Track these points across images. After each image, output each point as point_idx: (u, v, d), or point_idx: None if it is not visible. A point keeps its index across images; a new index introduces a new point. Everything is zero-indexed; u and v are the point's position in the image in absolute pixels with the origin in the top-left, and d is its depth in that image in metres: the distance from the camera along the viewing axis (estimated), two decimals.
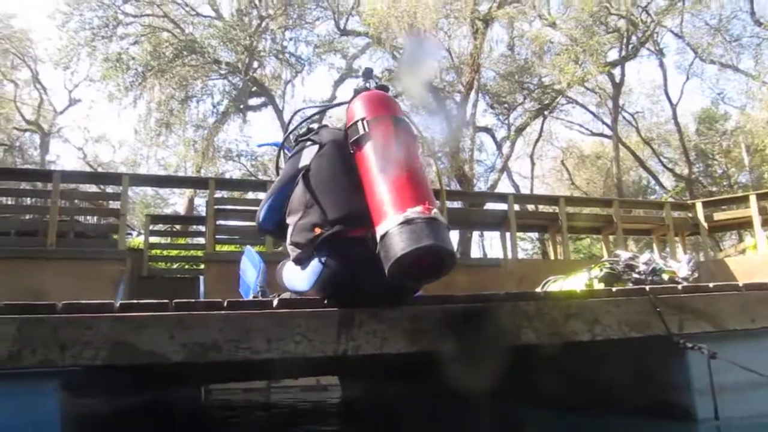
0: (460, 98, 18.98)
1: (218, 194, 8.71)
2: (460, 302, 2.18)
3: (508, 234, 9.61)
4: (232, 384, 5.90)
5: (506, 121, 22.42)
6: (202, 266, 8.59)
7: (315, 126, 2.48)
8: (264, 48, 19.88)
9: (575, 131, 25.62)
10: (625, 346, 2.35)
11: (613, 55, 20.41)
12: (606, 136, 24.25)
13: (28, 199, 11.08)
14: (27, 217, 9.59)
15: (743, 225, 11.50)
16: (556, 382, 2.82)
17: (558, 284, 3.96)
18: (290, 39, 20.85)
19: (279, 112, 20.21)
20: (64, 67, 19.27)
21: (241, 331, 1.89)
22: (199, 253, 9.91)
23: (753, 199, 9.88)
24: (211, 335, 1.86)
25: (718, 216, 11.01)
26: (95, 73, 19.51)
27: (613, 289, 2.50)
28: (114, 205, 9.67)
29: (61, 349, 1.76)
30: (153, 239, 11.26)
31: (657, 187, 26.52)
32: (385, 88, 2.37)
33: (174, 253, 11.08)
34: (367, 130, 2.11)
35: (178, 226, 14.04)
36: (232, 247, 10.50)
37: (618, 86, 21.31)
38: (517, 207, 10.23)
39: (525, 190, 24.64)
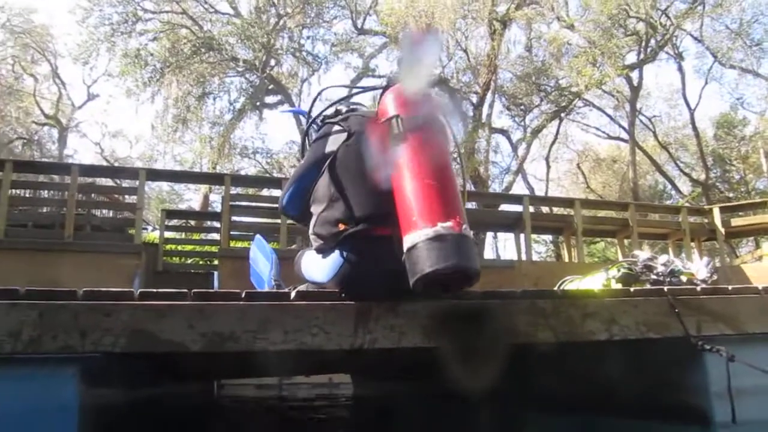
0: (477, 99, 18.93)
1: (233, 191, 8.73)
2: (477, 299, 2.17)
3: (522, 236, 9.57)
4: (244, 380, 5.92)
5: (522, 123, 22.36)
6: (216, 262, 8.64)
7: (343, 108, 2.42)
8: (281, 46, 19.97)
9: (591, 134, 25.50)
10: (642, 348, 2.33)
11: (631, 58, 20.28)
12: (623, 139, 24.09)
13: (46, 192, 11.18)
14: (44, 209, 9.69)
15: (760, 231, 11.38)
16: (570, 384, 2.80)
17: (575, 284, 3.94)
18: (307, 37, 20.95)
19: None
20: (83, 62, 19.49)
21: (259, 321, 1.90)
22: (214, 249, 9.96)
23: None
24: (229, 325, 1.88)
25: (736, 222, 10.88)
26: (114, 69, 19.76)
27: (631, 289, 2.49)
28: (130, 199, 9.75)
29: (81, 335, 1.78)
30: (168, 234, 11.32)
31: (673, 192, 26.29)
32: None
33: (189, 248, 11.14)
34: (401, 129, 2.01)
35: (192, 222, 14.13)
36: (246, 243, 10.53)
37: (636, 90, 21.15)
38: (531, 209, 10.20)
39: (540, 193, 24.52)
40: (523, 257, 9.46)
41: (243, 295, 1.95)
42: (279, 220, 8.37)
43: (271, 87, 20.36)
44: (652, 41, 19.76)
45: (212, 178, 13.63)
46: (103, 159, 26.27)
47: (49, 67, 24.45)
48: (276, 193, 10.01)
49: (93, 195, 9.90)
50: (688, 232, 10.07)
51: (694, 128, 22.93)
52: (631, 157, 21.59)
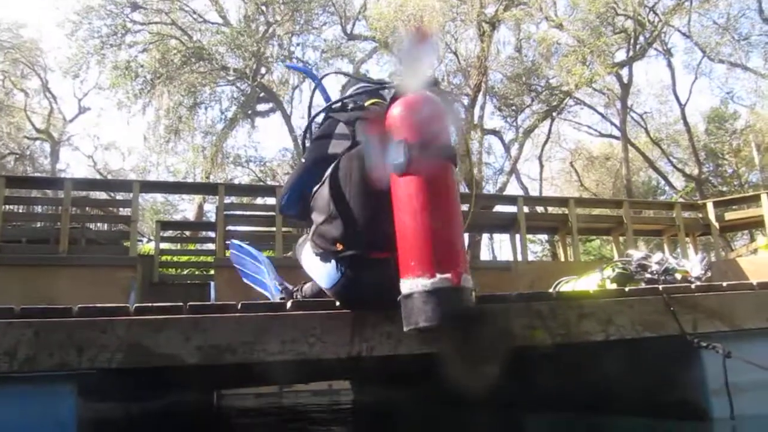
0: (468, 101, 18.98)
1: (227, 200, 8.72)
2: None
3: (518, 236, 9.58)
4: (243, 389, 5.91)
5: (514, 124, 22.43)
6: (213, 272, 8.62)
7: (350, 104, 2.25)
8: (271, 54, 19.98)
9: (584, 132, 25.62)
10: (639, 347, 2.34)
11: (620, 55, 20.38)
12: (615, 137, 24.19)
13: (39, 207, 11.15)
14: (38, 224, 9.66)
15: (755, 224, 11.41)
16: (568, 385, 2.81)
17: (570, 285, 3.95)
18: (297, 44, 20.98)
19: (287, 118, 20.29)
20: (73, 75, 19.48)
21: (255, 333, 1.90)
22: (210, 259, 9.94)
23: (764, 198, 9.81)
24: (225, 337, 1.87)
25: (729, 216, 10.93)
26: (104, 81, 19.73)
27: (626, 288, 2.50)
28: (124, 212, 9.73)
29: (77, 352, 1.77)
30: (163, 245, 11.29)
31: (667, 188, 26.41)
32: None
33: (184, 259, 11.11)
34: (408, 158, 1.80)
35: (188, 232, 14.10)
36: None
37: (626, 87, 21.25)
38: (526, 209, 10.21)
39: (534, 192, 24.59)
40: (519, 258, 9.47)
41: (239, 307, 1.95)
42: (274, 228, 8.35)
43: (262, 95, 20.37)
44: (641, 38, 19.86)
45: (206, 188, 13.61)
46: (96, 172, 26.22)
47: (39, 81, 24.42)
48: (270, 201, 10.00)
49: (87, 208, 9.89)
50: (682, 227, 10.10)
51: (686, 123, 23.05)
52: (624, 154, 21.67)
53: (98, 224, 11.42)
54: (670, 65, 22.24)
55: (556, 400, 2.96)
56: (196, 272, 10.84)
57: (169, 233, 11.92)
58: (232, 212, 8.97)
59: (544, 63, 19.91)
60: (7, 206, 9.37)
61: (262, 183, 21.63)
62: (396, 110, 1.90)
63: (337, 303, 2.07)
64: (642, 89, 25.51)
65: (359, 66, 21.31)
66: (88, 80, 21.53)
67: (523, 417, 3.18)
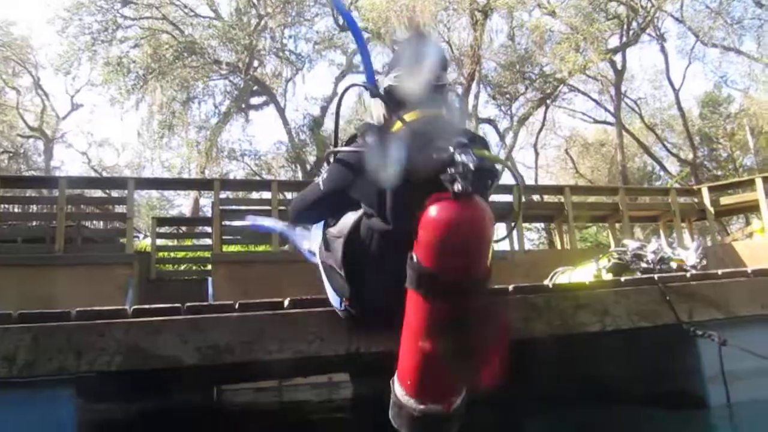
0: (462, 90, 18.93)
1: (223, 195, 8.71)
2: None
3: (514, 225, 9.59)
4: (243, 384, 5.92)
5: (508, 112, 22.39)
6: (210, 267, 8.62)
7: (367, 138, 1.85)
8: (264, 46, 19.88)
9: (578, 119, 25.60)
10: (636, 336, 2.36)
11: (613, 41, 20.33)
12: (609, 123, 24.16)
13: (34, 206, 11.12)
14: (34, 223, 9.64)
15: (750, 209, 11.46)
16: (565, 376, 2.82)
17: (566, 276, 3.96)
18: (289, 36, 20.88)
19: (281, 111, 20.23)
20: (65, 72, 19.36)
21: (254, 332, 1.91)
22: (207, 254, 9.94)
23: (759, 182, 9.84)
24: (224, 338, 1.88)
25: (725, 200, 10.96)
26: (96, 78, 19.65)
27: (622, 279, 2.51)
28: (120, 209, 9.70)
29: (76, 356, 1.78)
30: (160, 242, 11.28)
31: (662, 173, 26.42)
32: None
33: (181, 254, 11.10)
34: (416, 278, 1.56)
35: (184, 228, 14.09)
36: (238, 247, 10.53)
37: (620, 73, 21.21)
38: (522, 197, 10.21)
39: (529, 181, 24.57)
40: (516, 247, 9.48)
41: (236, 306, 1.96)
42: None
43: (255, 88, 20.27)
44: (634, 24, 19.82)
45: (201, 184, 13.60)
46: (91, 169, 26.11)
47: (31, 79, 24.25)
48: (266, 195, 9.96)
49: (82, 206, 9.86)
50: (678, 213, 10.14)
51: (680, 108, 23.04)
52: (619, 140, 21.66)
53: (94, 222, 11.40)
54: (663, 50, 22.22)
55: (553, 392, 2.98)
56: (193, 268, 10.83)
57: (165, 229, 11.90)
58: (228, 207, 8.95)
59: (538, 50, 19.85)
60: (3, 206, 9.37)
61: (257, 177, 21.59)
62: (429, 214, 1.54)
63: None
64: (636, 75, 25.51)
65: (352, 57, 21.24)
66: (80, 77, 21.42)
67: (519, 408, 3.19)
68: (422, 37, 2.22)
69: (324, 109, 20.83)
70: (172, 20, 19.18)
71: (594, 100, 23.57)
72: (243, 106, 20.27)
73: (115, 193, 13.38)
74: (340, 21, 20.58)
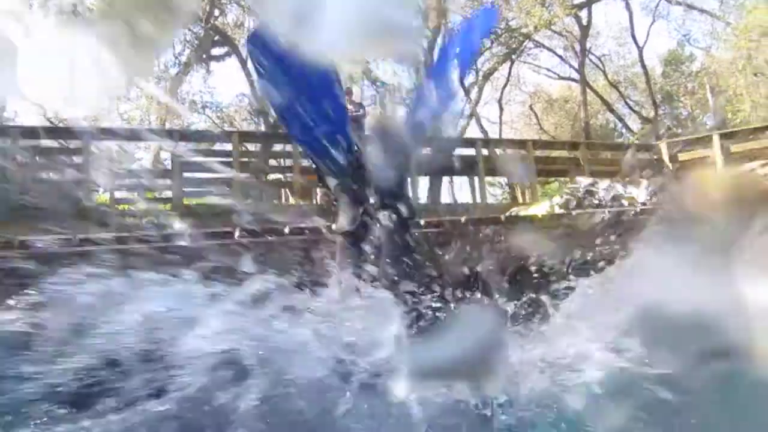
0: (427, 43, 18.76)
1: (184, 146, 8.57)
2: (430, 227, 2.21)
3: (476, 179, 9.68)
4: None
5: (474, 67, 22.29)
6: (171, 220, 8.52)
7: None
8: None
9: (543, 75, 25.65)
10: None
11: None
12: (573, 80, 24.31)
13: None
14: None
15: (706, 164, 11.74)
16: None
17: (522, 213, 4.02)
18: None
19: (243, 62, 19.77)
20: (16, 18, 18.55)
21: None
22: (167, 207, 9.81)
23: (716, 138, 10.07)
24: None
25: (683, 156, 11.21)
26: (50, 27, 18.85)
27: (573, 213, 2.56)
28: (77, 160, 9.47)
29: None
30: (119, 195, 11.08)
31: (624, 130, 26.79)
32: None
33: (142, 207, 10.93)
34: None
35: (144, 181, 13.82)
36: (199, 200, 10.42)
37: (585, 29, 21.25)
38: (485, 152, 10.28)
39: (494, 136, 24.69)
40: (479, 200, 9.58)
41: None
42: (231, 174, 8.27)
43: (216, 38, 19.75)
44: None
45: (161, 135, 13.33)
46: (47, 121, 25.32)
47: None
48: (227, 147, 9.83)
49: (37, 158, 9.60)
50: (637, 168, 10.34)
51: (643, 66, 23.26)
52: (582, 96, 21.84)
53: (50, 173, 11.10)
54: (628, 7, 22.28)
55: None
56: (155, 221, 10.69)
57: (125, 182, 11.64)
58: (189, 159, 8.82)
59: (504, 4, 19.71)
60: None
61: (219, 129, 21.21)
62: None
63: None
64: (601, 31, 25.53)
65: None
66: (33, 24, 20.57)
67: None
68: None
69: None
70: None
71: (559, 56, 23.65)
72: (204, 56, 19.76)
73: (72, 145, 13.01)
74: None
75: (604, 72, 24.79)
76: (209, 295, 1.84)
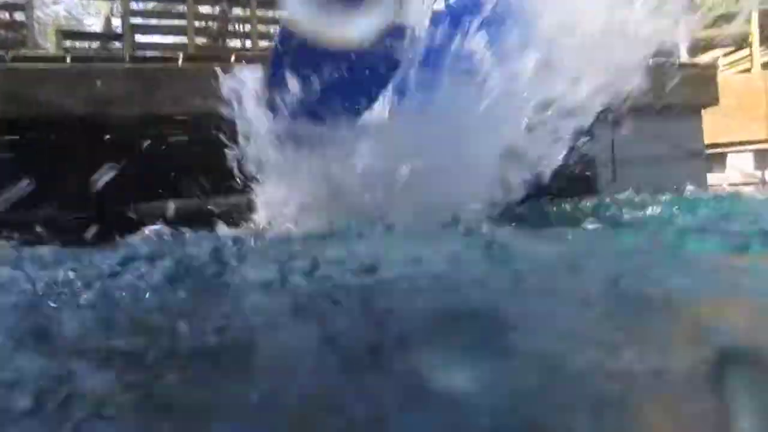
0: None
1: (135, 5, 8.05)
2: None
3: None
4: None
5: None
6: None
7: None
8: None
9: None
10: None
11: None
12: None
13: None
14: None
15: None
16: None
17: None
18: None
19: None
20: None
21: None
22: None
23: None
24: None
25: None
26: None
27: None
28: (19, 17, 8.83)
29: None
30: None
31: None
32: None
33: None
34: None
35: (95, 45, 13.10)
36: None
37: None
38: None
39: None
40: None
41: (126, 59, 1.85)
42: (186, 40, 7.86)
43: None
44: None
45: None
46: None
47: None
48: (182, 7, 9.23)
49: None
50: None
51: None
52: None
53: None
54: None
55: None
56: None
57: (74, 45, 11.00)
58: (141, 22, 8.33)
59: None
60: None
61: None
62: None
63: None
64: None
65: None
66: None
67: None
68: None
69: None
70: None
71: None
72: None
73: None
74: None
75: None
76: None
